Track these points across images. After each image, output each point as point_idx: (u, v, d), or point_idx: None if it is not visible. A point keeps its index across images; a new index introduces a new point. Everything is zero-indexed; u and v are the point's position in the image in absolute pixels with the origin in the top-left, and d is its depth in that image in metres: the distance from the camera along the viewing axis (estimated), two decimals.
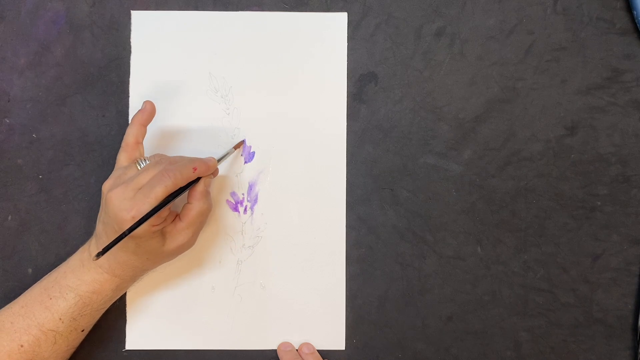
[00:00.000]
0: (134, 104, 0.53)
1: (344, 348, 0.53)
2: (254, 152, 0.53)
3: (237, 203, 0.53)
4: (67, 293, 0.46)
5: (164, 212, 0.45)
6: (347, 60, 0.54)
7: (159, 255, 0.47)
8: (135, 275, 0.48)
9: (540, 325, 0.53)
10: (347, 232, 0.53)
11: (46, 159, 0.53)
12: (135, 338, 0.52)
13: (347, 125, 0.53)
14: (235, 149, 0.52)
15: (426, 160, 0.53)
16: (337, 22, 0.54)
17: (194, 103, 0.53)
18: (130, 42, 0.53)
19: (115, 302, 0.50)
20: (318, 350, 0.52)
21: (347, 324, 0.53)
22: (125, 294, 0.52)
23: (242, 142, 0.53)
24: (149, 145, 0.52)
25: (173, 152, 0.53)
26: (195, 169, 0.45)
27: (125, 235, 0.42)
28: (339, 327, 0.53)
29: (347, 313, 0.53)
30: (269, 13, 0.53)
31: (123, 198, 0.43)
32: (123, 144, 0.48)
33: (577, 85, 0.54)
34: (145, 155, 0.49)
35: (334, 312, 0.53)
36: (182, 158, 0.47)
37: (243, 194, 0.53)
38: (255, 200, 0.53)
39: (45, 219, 0.53)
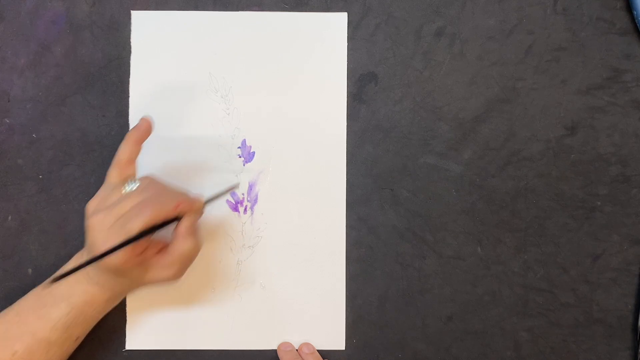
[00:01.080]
0: (134, 104, 0.53)
1: (344, 348, 0.53)
2: (254, 152, 0.53)
3: (237, 203, 0.53)
4: (60, 302, 0.45)
5: (140, 246, 0.43)
6: (347, 60, 0.54)
7: (142, 283, 0.46)
8: (124, 292, 0.48)
9: (540, 325, 0.53)
10: (347, 232, 0.53)
11: (46, 159, 0.53)
12: (135, 338, 0.52)
13: (347, 125, 0.53)
14: (227, 192, 0.52)
15: (426, 160, 0.53)
16: (337, 22, 0.54)
17: (194, 103, 0.53)
18: (130, 42, 0.53)
19: None
20: (318, 350, 0.52)
21: (347, 324, 0.53)
22: None
23: (237, 185, 0.53)
24: (148, 145, 0.52)
25: (173, 152, 0.53)
26: (177, 206, 0.43)
27: (87, 264, 0.41)
28: (339, 327, 0.53)
29: (347, 313, 0.53)
30: (269, 13, 0.53)
31: (101, 227, 0.42)
32: (115, 160, 0.46)
33: (577, 85, 0.54)
34: (142, 174, 0.47)
35: (334, 312, 0.53)
36: (170, 190, 0.45)
37: (243, 194, 0.53)
38: (255, 200, 0.53)
39: (45, 219, 0.53)
